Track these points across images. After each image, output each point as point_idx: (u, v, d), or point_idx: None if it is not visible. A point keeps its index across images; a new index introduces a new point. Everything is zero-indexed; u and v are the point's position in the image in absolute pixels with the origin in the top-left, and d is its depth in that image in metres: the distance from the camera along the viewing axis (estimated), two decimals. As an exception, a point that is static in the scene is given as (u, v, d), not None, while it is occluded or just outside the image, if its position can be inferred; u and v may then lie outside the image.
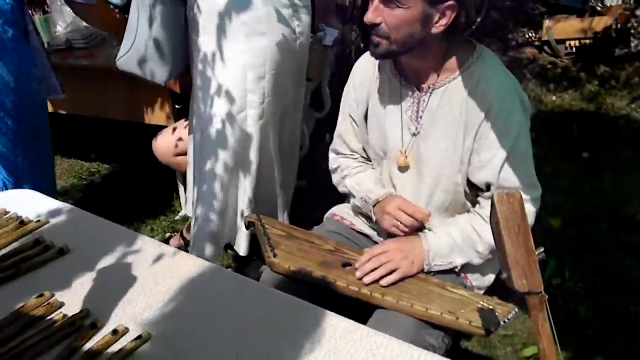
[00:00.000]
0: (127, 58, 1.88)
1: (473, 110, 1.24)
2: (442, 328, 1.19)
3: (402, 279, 1.25)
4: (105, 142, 3.27)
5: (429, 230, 1.33)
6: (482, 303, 1.18)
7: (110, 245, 1.21)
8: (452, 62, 1.27)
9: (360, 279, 1.24)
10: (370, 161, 1.50)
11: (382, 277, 1.23)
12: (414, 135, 1.32)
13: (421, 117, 1.31)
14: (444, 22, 1.18)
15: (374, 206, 1.37)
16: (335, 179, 1.55)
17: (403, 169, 1.36)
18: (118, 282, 1.11)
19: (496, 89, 1.23)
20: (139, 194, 2.80)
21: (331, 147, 1.56)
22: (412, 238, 1.32)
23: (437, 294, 1.21)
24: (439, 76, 1.28)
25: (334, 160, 1.55)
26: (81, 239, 1.23)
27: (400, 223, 1.30)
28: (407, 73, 1.32)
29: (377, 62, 1.37)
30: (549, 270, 2.19)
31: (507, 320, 1.14)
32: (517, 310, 1.16)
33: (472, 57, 1.26)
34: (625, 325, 1.99)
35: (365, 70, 1.41)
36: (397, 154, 1.35)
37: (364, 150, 1.49)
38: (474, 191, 1.34)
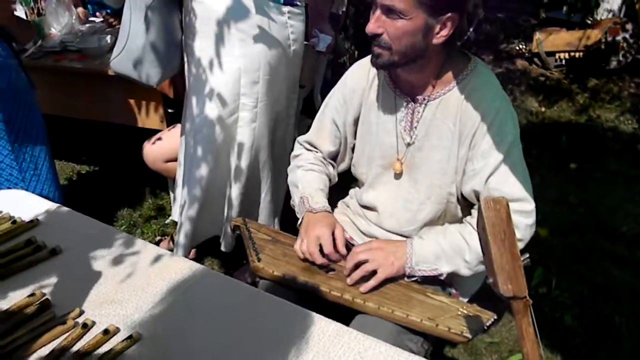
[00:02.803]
0: (119, 60, 1.89)
1: (467, 120, 1.26)
2: (422, 333, 1.20)
3: (384, 281, 1.25)
4: (96, 144, 3.27)
5: (417, 236, 1.34)
6: (461, 310, 1.20)
7: (101, 246, 1.21)
8: (448, 74, 1.28)
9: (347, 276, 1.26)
10: (333, 163, 1.53)
11: (363, 278, 1.25)
12: (408, 145, 1.34)
13: (415, 128, 1.32)
14: (444, 32, 1.20)
15: (306, 211, 1.39)
16: (291, 165, 1.56)
17: (398, 175, 1.38)
18: (109, 282, 1.11)
19: (490, 100, 1.25)
20: (129, 197, 2.80)
21: (302, 136, 1.56)
22: (398, 241, 1.33)
23: (418, 300, 1.23)
24: (434, 88, 1.30)
25: (298, 148, 1.57)
26: (73, 239, 1.23)
27: (310, 254, 1.30)
28: (401, 84, 1.34)
29: (371, 70, 1.39)
30: (535, 279, 2.22)
31: (486, 328, 1.16)
32: (495, 317, 1.18)
33: (466, 69, 1.28)
34: (610, 334, 2.02)
35: (359, 78, 1.42)
36: (393, 161, 1.37)
37: (330, 156, 1.51)
38: (467, 202, 1.35)
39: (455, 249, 1.29)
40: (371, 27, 1.21)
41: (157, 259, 1.18)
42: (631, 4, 4.26)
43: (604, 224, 2.64)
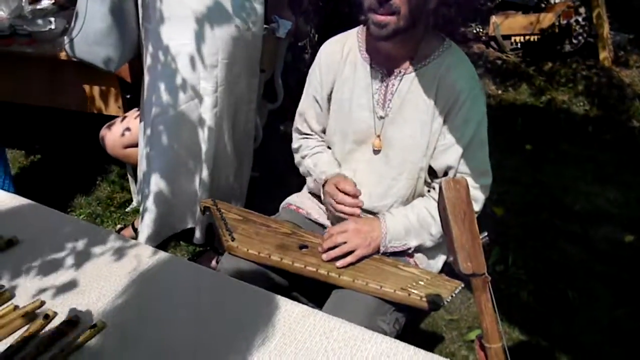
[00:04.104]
0: (74, 43, 1.83)
1: (442, 95, 1.31)
2: (396, 310, 1.24)
3: (359, 260, 1.29)
4: (49, 131, 3.17)
5: (388, 212, 1.38)
6: (431, 279, 1.26)
7: (60, 236, 1.19)
8: (424, 49, 1.33)
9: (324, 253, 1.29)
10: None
11: (338, 258, 1.28)
12: (381, 118, 1.37)
13: (390, 100, 1.35)
14: (433, 2, 1.26)
15: (323, 186, 1.43)
16: (296, 158, 1.59)
17: (377, 151, 1.40)
18: (70, 272, 1.09)
19: (465, 78, 1.31)
20: (87, 185, 2.73)
21: (294, 126, 1.59)
22: (371, 220, 1.36)
23: (390, 272, 1.27)
24: (410, 62, 1.33)
25: (295, 140, 1.59)
26: (31, 230, 1.20)
27: (334, 201, 1.35)
28: (379, 57, 1.36)
29: (346, 45, 1.41)
30: (492, 257, 2.29)
31: (454, 295, 1.22)
32: (463, 286, 1.23)
33: (442, 46, 1.33)
34: (564, 308, 2.11)
35: (333, 53, 1.43)
36: (368, 137, 1.39)
37: (323, 132, 1.53)
38: (432, 177, 1.40)
39: (422, 224, 1.35)
40: None
41: (119, 246, 1.17)
42: (583, -12, 4.39)
43: (558, 203, 2.74)
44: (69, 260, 1.13)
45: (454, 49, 1.35)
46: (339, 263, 1.28)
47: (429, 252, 1.42)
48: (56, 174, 2.83)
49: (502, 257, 2.32)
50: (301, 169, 1.57)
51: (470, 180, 1.32)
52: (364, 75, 1.38)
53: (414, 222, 1.35)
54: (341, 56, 1.41)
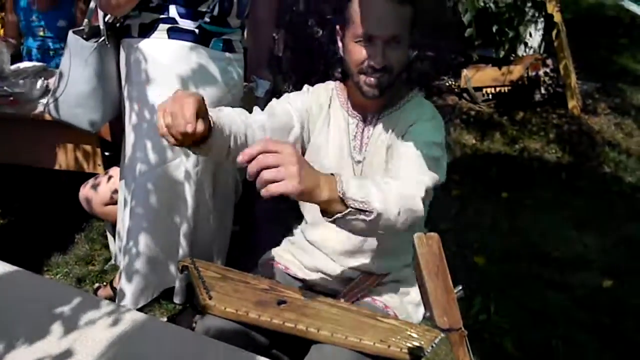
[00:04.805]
0: (56, 105, 1.86)
1: (398, 132, 1.36)
2: None
3: (285, 193, 0.96)
4: (29, 190, 3.14)
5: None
6: (411, 330, 1.26)
7: (34, 298, 1.17)
8: (395, 96, 1.40)
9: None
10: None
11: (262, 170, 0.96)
12: (359, 162, 1.41)
13: (366, 145, 1.40)
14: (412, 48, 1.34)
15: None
16: None
17: None
18: (42, 336, 1.07)
19: (423, 116, 1.37)
20: (65, 244, 2.70)
21: None
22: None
23: (369, 324, 1.27)
24: (383, 108, 1.40)
25: None
26: (2, 292, 1.18)
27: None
28: (355, 107, 1.42)
29: (326, 93, 1.46)
30: (475, 306, 2.29)
31: (434, 345, 1.22)
32: (443, 335, 1.23)
33: (409, 94, 1.42)
34: (547, 356, 2.10)
35: (319, 94, 1.47)
36: None
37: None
38: None
39: (382, 189, 1.11)
40: (380, 61, 1.28)
41: (95, 308, 1.15)
42: (550, 41, 4.59)
43: (536, 250, 2.77)
44: (44, 324, 1.11)
45: (420, 97, 1.44)
46: (264, 191, 0.96)
47: (409, 302, 1.42)
48: (34, 233, 2.79)
49: (485, 307, 2.32)
50: None
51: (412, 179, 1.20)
52: (341, 122, 1.44)
53: (372, 183, 1.12)
54: (325, 99, 1.47)
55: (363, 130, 1.42)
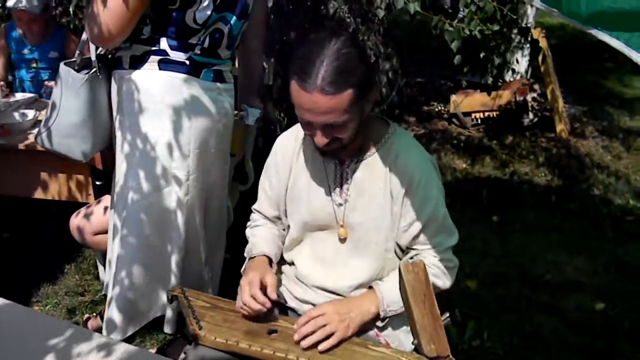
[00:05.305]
0: (47, 135, 1.87)
1: (395, 181, 1.36)
2: None
3: (339, 343, 1.28)
4: (18, 220, 3.13)
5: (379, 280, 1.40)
6: (401, 358, 1.23)
7: (22, 331, 1.16)
8: (372, 137, 1.39)
9: (298, 342, 1.26)
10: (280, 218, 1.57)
11: (319, 341, 1.26)
12: (340, 205, 1.40)
13: (347, 189, 1.40)
14: (371, 103, 1.32)
15: (247, 259, 1.48)
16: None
17: (343, 240, 1.43)
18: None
19: (415, 161, 1.37)
20: (55, 274, 2.68)
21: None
22: (348, 300, 1.38)
23: (361, 353, 1.26)
24: (360, 150, 1.39)
25: (251, 214, 1.66)
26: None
27: (246, 291, 1.33)
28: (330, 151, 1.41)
29: (297, 138, 1.47)
30: (468, 332, 2.29)
31: None
32: None
33: (387, 132, 1.40)
34: (541, 381, 2.10)
35: (286, 147, 1.49)
36: (331, 225, 1.43)
37: (279, 218, 1.57)
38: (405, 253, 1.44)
39: None
40: (322, 141, 1.28)
41: (85, 341, 1.15)
42: (537, 66, 4.68)
43: (527, 273, 2.78)
44: (27, 358, 1.10)
45: (399, 133, 1.41)
46: (321, 347, 1.26)
47: (400, 329, 1.42)
48: (23, 263, 2.78)
49: (478, 332, 2.32)
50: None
51: (434, 258, 1.36)
52: (318, 166, 1.43)
53: None
54: (293, 150, 1.47)
55: (342, 174, 1.41)
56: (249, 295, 1.31)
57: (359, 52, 1.27)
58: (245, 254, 1.54)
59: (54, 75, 2.83)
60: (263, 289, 1.33)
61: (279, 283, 1.54)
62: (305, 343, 1.26)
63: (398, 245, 1.42)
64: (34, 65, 3.09)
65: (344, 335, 1.29)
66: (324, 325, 1.27)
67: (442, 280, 1.38)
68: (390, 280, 1.37)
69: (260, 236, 1.54)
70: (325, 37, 1.25)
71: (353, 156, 1.39)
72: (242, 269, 1.46)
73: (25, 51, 3.08)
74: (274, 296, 1.33)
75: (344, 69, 1.22)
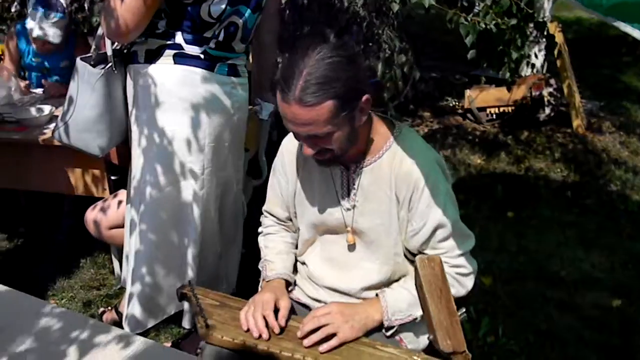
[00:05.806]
0: (64, 130, 1.89)
1: (401, 185, 1.33)
2: None
3: (341, 344, 1.27)
4: (34, 214, 3.16)
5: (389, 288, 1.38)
6: (409, 358, 1.22)
7: (38, 324, 1.18)
8: (376, 142, 1.36)
9: (302, 339, 1.26)
10: (292, 220, 1.55)
11: (321, 340, 1.25)
12: (348, 210, 1.39)
13: (355, 194, 1.38)
14: (364, 113, 1.27)
15: (263, 279, 1.45)
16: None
17: (352, 246, 1.42)
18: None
19: (420, 165, 1.32)
20: (71, 268, 2.70)
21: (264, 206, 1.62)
22: (355, 303, 1.37)
23: (368, 353, 1.25)
24: (365, 156, 1.36)
25: (262, 217, 1.63)
26: (8, 317, 1.19)
27: (252, 317, 1.30)
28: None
29: None
30: (483, 328, 2.27)
31: None
32: None
33: (391, 135, 1.36)
34: (557, 378, 2.07)
35: (292, 150, 1.46)
36: (340, 229, 1.41)
37: (290, 219, 1.55)
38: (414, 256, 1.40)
39: None
40: (307, 152, 1.27)
41: (100, 334, 1.16)
42: (553, 61, 4.62)
43: (543, 270, 2.75)
44: (48, 350, 1.11)
45: (405, 135, 1.37)
46: (322, 347, 1.25)
47: (416, 329, 1.40)
48: (39, 257, 2.81)
49: (493, 328, 2.30)
50: (260, 244, 1.59)
51: (445, 265, 1.33)
52: (324, 172, 1.41)
53: (414, 292, 1.26)
54: (301, 152, 1.43)
55: (349, 178, 1.39)
56: (260, 315, 1.30)
57: (346, 61, 1.21)
58: (259, 266, 1.52)
59: (63, 80, 2.84)
60: (275, 312, 1.32)
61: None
62: (307, 342, 1.26)
63: (408, 249, 1.40)
64: (44, 71, 3.10)
65: (346, 335, 1.27)
66: (327, 324, 1.27)
67: (456, 288, 1.27)
68: (397, 288, 1.37)
69: (274, 248, 1.52)
70: (309, 46, 1.21)
71: (358, 161, 1.37)
72: (259, 284, 1.45)
73: (36, 59, 3.07)
74: (282, 323, 1.31)
75: (324, 79, 1.17)
